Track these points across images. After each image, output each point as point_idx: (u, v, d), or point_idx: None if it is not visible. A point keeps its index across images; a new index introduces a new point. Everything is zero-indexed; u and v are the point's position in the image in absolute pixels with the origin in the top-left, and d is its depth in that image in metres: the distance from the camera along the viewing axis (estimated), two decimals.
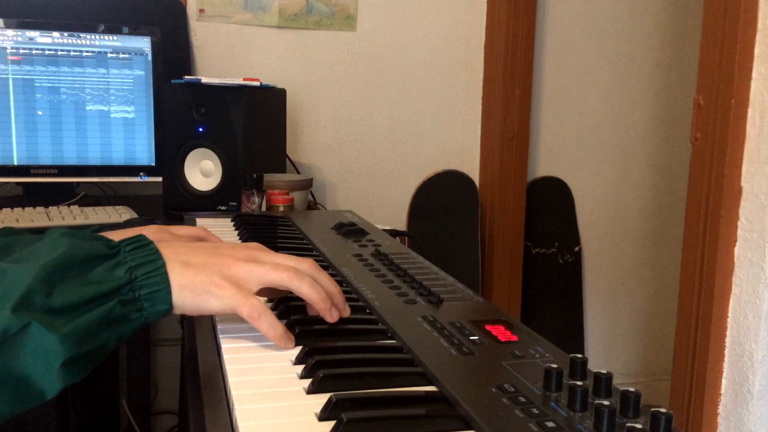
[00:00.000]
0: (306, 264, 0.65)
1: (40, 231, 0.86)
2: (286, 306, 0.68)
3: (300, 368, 0.55)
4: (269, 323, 0.60)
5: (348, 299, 0.70)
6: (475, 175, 2.15)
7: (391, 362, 0.58)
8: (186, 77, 1.55)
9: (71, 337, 0.51)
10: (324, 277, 0.65)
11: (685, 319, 1.28)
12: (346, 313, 0.65)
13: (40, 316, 0.50)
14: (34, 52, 1.56)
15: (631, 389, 0.47)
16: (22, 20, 1.56)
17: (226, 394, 0.53)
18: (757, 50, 1.13)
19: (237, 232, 1.04)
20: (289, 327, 0.61)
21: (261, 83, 1.58)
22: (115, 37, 1.61)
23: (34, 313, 0.50)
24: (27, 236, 0.73)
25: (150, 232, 0.77)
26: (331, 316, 0.63)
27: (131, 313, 0.56)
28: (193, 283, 0.59)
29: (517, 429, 0.45)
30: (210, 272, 0.60)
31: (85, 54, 1.59)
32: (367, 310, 0.69)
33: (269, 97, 1.63)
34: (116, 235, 0.76)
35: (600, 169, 2.30)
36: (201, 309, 0.60)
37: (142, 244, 0.60)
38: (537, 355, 0.57)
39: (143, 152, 1.65)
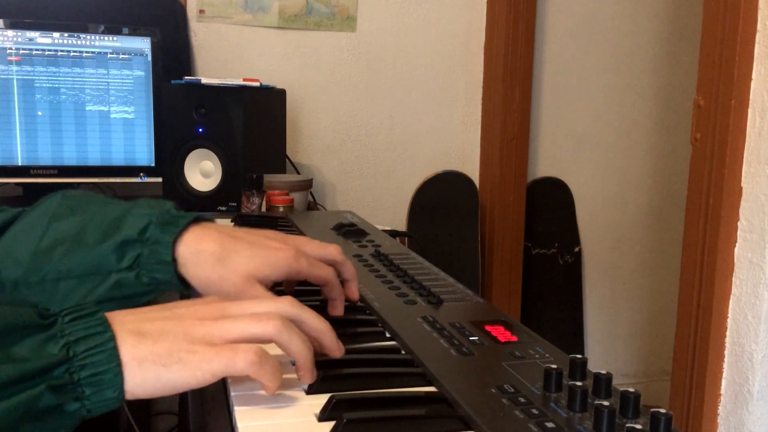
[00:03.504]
0: (286, 304, 0.53)
1: None
2: None
3: None
4: (272, 370, 0.49)
5: (347, 299, 0.70)
6: (475, 176, 2.15)
7: (391, 363, 0.58)
8: (186, 78, 1.55)
9: None
10: (310, 315, 0.54)
11: (685, 320, 1.28)
12: (340, 352, 0.55)
13: None
14: (34, 52, 1.56)
15: (631, 389, 0.47)
16: (22, 20, 1.56)
17: (225, 394, 0.53)
18: (757, 50, 1.13)
19: None
20: None
21: (261, 84, 1.58)
22: (115, 38, 1.61)
23: None
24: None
25: (284, 261, 0.63)
26: (312, 377, 0.52)
27: (67, 403, 0.44)
28: (155, 354, 0.46)
29: (516, 429, 0.45)
30: (174, 338, 0.48)
31: (85, 54, 1.59)
32: (367, 311, 0.69)
33: (269, 98, 1.63)
34: (233, 245, 0.61)
35: (600, 169, 2.30)
36: (169, 385, 0.47)
37: (85, 313, 0.47)
38: (537, 356, 0.57)
39: (143, 153, 1.65)
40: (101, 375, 0.44)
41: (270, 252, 0.62)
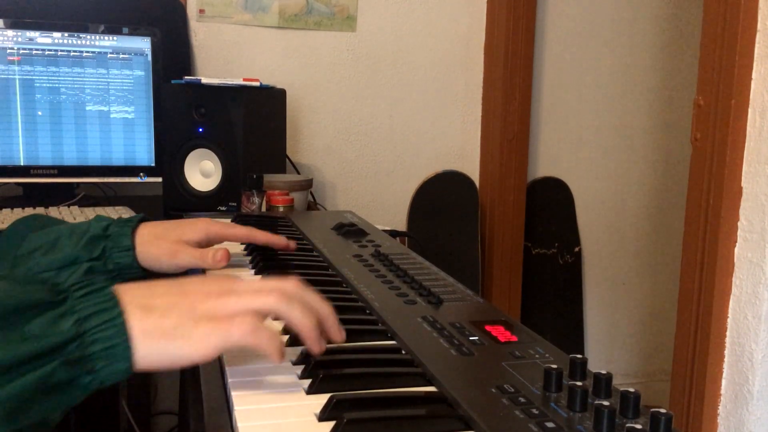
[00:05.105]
0: (291, 284, 0.56)
1: None
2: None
3: (300, 369, 0.55)
4: (269, 335, 0.51)
5: (348, 299, 0.71)
6: (475, 176, 2.15)
7: (391, 363, 0.58)
8: (186, 77, 1.55)
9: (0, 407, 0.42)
10: (313, 297, 0.56)
11: (685, 320, 1.28)
12: (341, 337, 0.57)
13: None
14: (34, 52, 1.56)
15: (631, 389, 0.47)
16: (22, 20, 1.55)
17: (226, 394, 0.53)
18: (757, 50, 1.13)
19: None
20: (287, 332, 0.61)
21: (261, 83, 1.58)
22: (115, 38, 1.61)
23: None
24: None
25: (202, 225, 0.83)
26: (319, 347, 0.54)
27: (80, 376, 0.46)
28: (161, 327, 0.49)
29: (516, 429, 0.45)
30: (179, 313, 0.50)
31: (85, 54, 1.59)
32: (367, 311, 0.69)
33: (269, 98, 1.63)
34: (164, 227, 0.81)
35: (600, 169, 2.30)
36: (174, 359, 0.49)
37: (95, 288, 0.49)
38: (537, 356, 0.57)
39: (143, 152, 1.65)
40: (112, 348, 0.47)
41: (189, 224, 0.83)
